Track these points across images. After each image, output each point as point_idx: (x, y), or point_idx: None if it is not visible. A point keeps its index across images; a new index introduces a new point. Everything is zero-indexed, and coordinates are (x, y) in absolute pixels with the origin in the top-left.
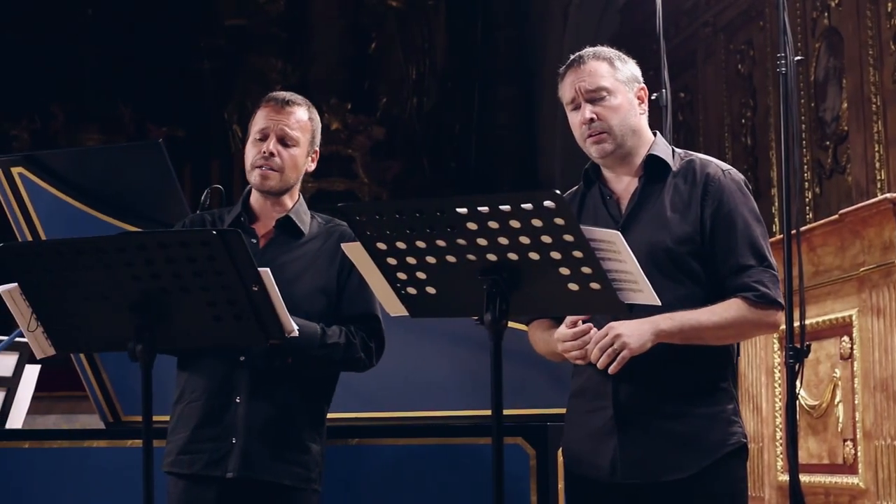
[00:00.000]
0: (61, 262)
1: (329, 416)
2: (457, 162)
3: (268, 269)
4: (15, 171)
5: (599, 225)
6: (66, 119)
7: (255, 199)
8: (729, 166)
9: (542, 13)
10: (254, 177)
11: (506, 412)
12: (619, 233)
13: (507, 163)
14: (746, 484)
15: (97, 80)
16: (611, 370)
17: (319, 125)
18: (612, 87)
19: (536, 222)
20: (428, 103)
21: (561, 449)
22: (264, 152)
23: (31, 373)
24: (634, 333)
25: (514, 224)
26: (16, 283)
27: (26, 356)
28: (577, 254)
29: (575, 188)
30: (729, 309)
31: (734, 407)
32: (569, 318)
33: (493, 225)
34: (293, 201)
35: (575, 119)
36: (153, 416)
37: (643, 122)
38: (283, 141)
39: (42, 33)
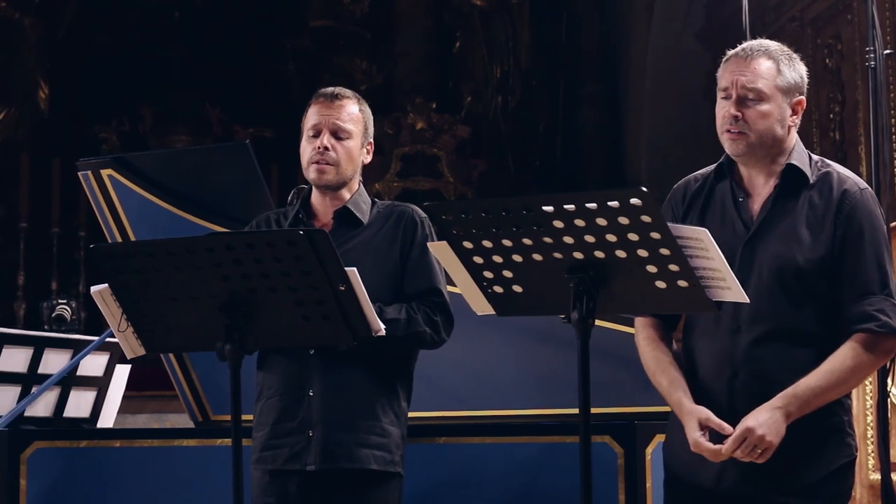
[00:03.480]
0: (151, 263)
1: (416, 414)
2: (542, 160)
3: (355, 269)
4: (104, 173)
5: (727, 227)
6: (154, 121)
7: (314, 196)
8: (866, 185)
9: (627, 9)
10: (311, 172)
11: (593, 411)
12: (706, 230)
13: (593, 160)
14: (850, 494)
15: (184, 83)
16: (759, 462)
17: (371, 117)
18: (768, 93)
19: (623, 220)
20: (512, 101)
21: (663, 449)
22: (319, 147)
23: (122, 373)
24: (773, 430)
25: (601, 222)
26: (106, 284)
27: (117, 356)
28: (665, 251)
29: (699, 174)
30: (846, 360)
31: (849, 419)
32: (698, 421)
33: (580, 223)
34: (351, 193)
35: (721, 108)
36: (242, 414)
37: (791, 132)
38: (337, 134)
39: (129, 36)
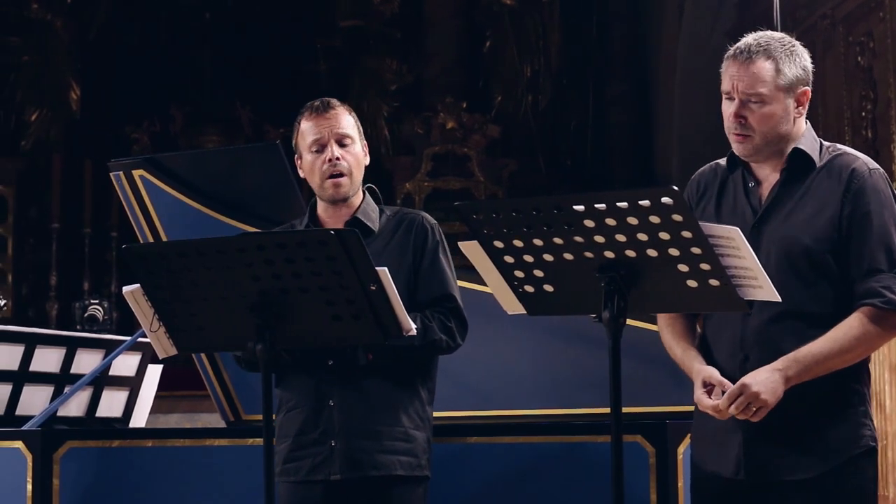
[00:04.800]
0: (182, 263)
1: (446, 414)
2: (572, 159)
3: (385, 269)
4: (136, 173)
5: (738, 214)
6: (185, 121)
7: (321, 208)
8: (877, 165)
9: (657, 8)
10: (328, 189)
11: (625, 410)
12: (738, 229)
13: (623, 160)
14: (876, 485)
15: (215, 83)
16: (753, 420)
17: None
18: (769, 96)
19: (654, 219)
20: (543, 101)
21: (690, 443)
22: (331, 160)
23: (154, 372)
24: (769, 388)
25: (632, 221)
26: (138, 284)
27: (149, 356)
28: (696, 250)
29: (714, 164)
30: (851, 329)
31: (865, 409)
32: (703, 379)
33: (611, 222)
34: (359, 201)
35: (726, 109)
36: (273, 414)
37: (798, 122)
38: (341, 143)
39: (160, 37)
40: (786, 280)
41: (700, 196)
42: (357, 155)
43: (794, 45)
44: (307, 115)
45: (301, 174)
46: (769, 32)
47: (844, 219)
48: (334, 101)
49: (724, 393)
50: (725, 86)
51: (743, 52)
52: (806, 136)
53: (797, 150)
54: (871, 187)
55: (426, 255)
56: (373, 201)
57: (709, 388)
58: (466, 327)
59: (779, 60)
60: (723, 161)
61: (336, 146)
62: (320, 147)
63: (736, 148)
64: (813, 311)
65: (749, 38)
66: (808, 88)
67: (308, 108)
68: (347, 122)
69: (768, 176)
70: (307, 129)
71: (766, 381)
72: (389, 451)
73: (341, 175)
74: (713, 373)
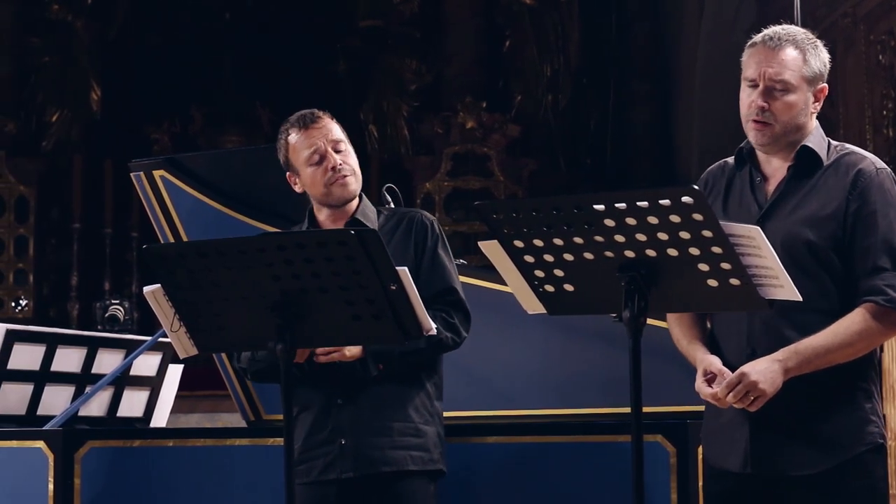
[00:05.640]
0: (203, 264)
1: (466, 413)
2: (592, 159)
3: (405, 268)
4: (157, 174)
5: (743, 209)
6: (205, 121)
7: (320, 212)
8: (884, 165)
9: (677, 6)
10: (335, 190)
11: (645, 409)
12: (759, 228)
13: (644, 159)
14: (887, 482)
15: (235, 84)
16: (751, 410)
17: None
18: (795, 84)
19: (674, 218)
20: (563, 100)
21: (701, 439)
22: (334, 167)
23: (175, 372)
24: (768, 378)
25: (652, 220)
26: (159, 285)
27: (169, 356)
28: (717, 249)
29: (723, 162)
30: (853, 324)
31: (872, 406)
32: (704, 368)
33: (631, 221)
34: (356, 203)
35: (746, 97)
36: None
37: (812, 118)
38: (337, 149)
39: (181, 38)
40: (791, 275)
41: (707, 193)
42: (354, 157)
43: (816, 41)
44: (294, 130)
45: (298, 189)
46: (792, 26)
47: (850, 216)
48: (318, 112)
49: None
50: (750, 73)
51: (772, 38)
52: (814, 135)
53: (805, 148)
54: (877, 186)
55: (427, 251)
56: (369, 203)
57: (709, 376)
58: (470, 319)
59: (805, 51)
60: (731, 159)
61: (335, 154)
62: (320, 157)
63: (754, 136)
64: (819, 307)
65: (776, 28)
66: (826, 86)
67: (292, 123)
68: (337, 128)
69: (775, 172)
70: (299, 144)
71: (765, 370)
72: (401, 446)
73: (345, 176)
74: (714, 361)
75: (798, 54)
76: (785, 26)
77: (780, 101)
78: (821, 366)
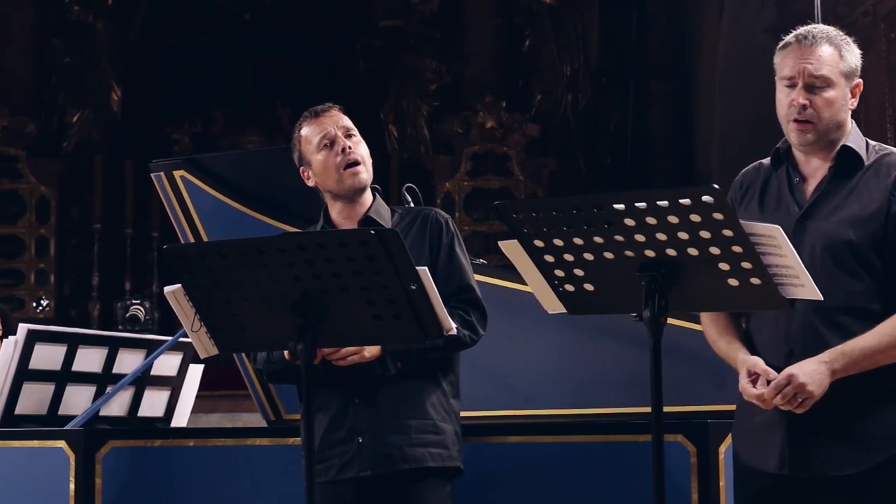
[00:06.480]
0: (224, 264)
1: (487, 413)
2: (612, 158)
3: (426, 268)
4: (177, 174)
5: (782, 209)
6: (226, 122)
7: (333, 209)
8: None
9: (697, 5)
10: (345, 179)
11: (666, 409)
12: (779, 227)
13: (663, 158)
14: None
15: (255, 84)
16: (798, 412)
17: None
18: (833, 80)
19: (695, 217)
20: (582, 100)
21: (732, 439)
22: (344, 150)
23: (195, 372)
24: (815, 380)
25: (673, 220)
26: (179, 285)
27: (190, 356)
28: (737, 249)
29: (758, 163)
30: None
31: None
32: (748, 369)
33: (651, 221)
34: (370, 200)
35: (785, 97)
36: (299, 415)
37: (849, 115)
38: (349, 135)
39: (200, 38)
40: (832, 275)
41: (743, 195)
42: (365, 148)
43: (847, 38)
44: (306, 122)
45: (311, 183)
46: (821, 24)
47: (891, 217)
48: (329, 104)
49: (769, 383)
50: (787, 71)
51: (806, 37)
52: (853, 134)
53: (846, 148)
54: None
55: (443, 248)
56: (382, 201)
57: (753, 377)
58: (486, 316)
59: (840, 47)
60: (765, 160)
61: (344, 138)
62: (329, 141)
63: (796, 137)
64: (858, 307)
65: (806, 27)
66: (861, 81)
67: (303, 117)
68: (346, 118)
69: (815, 172)
70: (310, 133)
71: (813, 372)
72: (419, 444)
73: (357, 163)
74: (758, 362)
75: (834, 50)
76: (814, 25)
77: (820, 98)
78: (866, 367)
